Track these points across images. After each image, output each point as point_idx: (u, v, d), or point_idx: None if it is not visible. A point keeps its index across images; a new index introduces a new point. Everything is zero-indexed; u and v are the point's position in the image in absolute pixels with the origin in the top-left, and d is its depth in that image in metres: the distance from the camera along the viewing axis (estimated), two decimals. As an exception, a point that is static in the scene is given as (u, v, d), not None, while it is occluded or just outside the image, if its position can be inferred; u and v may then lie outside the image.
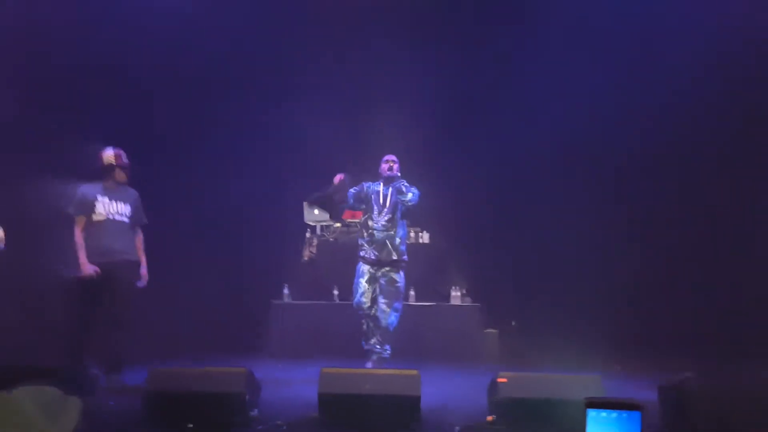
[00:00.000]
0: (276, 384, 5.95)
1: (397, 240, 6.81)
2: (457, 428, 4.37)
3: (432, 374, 6.31)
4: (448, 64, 9.40)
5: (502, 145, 9.24)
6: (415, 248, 8.78)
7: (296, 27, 9.33)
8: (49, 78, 8.10)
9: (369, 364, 6.76)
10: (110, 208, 6.21)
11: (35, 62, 8.07)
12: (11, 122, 7.62)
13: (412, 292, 8.61)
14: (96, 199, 6.19)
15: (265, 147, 9.34)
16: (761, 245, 8.09)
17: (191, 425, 4.29)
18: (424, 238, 9.38)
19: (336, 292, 8.69)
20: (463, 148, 9.66)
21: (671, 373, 4.44)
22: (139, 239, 6.47)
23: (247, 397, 4.42)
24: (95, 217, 6.16)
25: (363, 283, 6.80)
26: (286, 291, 8.85)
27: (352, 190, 6.83)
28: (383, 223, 6.79)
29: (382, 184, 6.94)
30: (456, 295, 8.78)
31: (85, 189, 6.25)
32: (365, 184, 6.97)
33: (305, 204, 9.06)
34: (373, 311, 6.77)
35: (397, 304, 6.78)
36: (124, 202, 6.31)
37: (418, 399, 4.35)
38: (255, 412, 4.58)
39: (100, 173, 6.33)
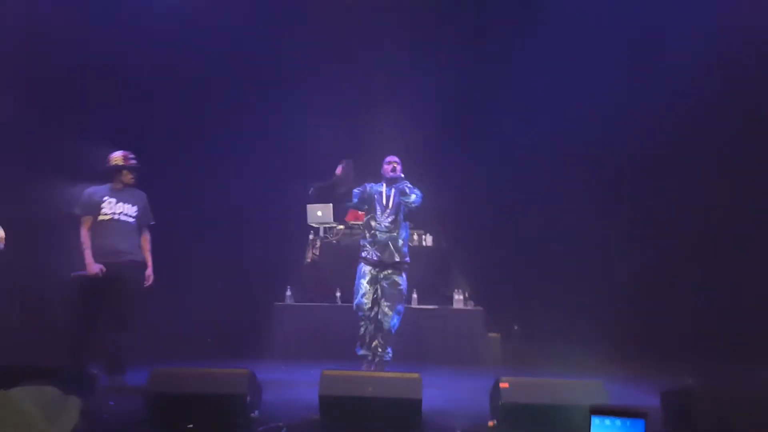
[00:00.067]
0: (277, 386, 5.95)
1: (400, 242, 6.76)
2: (458, 432, 4.38)
3: (434, 378, 6.35)
4: (448, 64, 9.39)
5: (505, 147, 9.26)
6: (418, 251, 8.83)
7: (296, 27, 9.32)
8: (49, 78, 8.09)
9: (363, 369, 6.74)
10: (116, 208, 6.27)
11: (35, 62, 8.05)
12: (11, 122, 7.61)
13: (414, 295, 8.63)
14: (102, 199, 6.25)
15: (268, 147, 9.38)
16: (761, 245, 8.09)
17: (192, 426, 4.29)
18: (428, 240, 9.39)
19: (338, 294, 8.71)
20: (465, 150, 9.68)
21: (673, 377, 4.45)
22: (146, 239, 6.51)
23: (248, 398, 4.41)
24: (101, 217, 6.21)
25: (364, 284, 6.72)
26: (288, 293, 8.87)
27: (356, 190, 6.77)
28: (386, 224, 6.75)
29: (384, 185, 6.90)
30: (459, 298, 8.80)
31: (93, 190, 6.32)
32: (368, 185, 6.93)
33: (308, 206, 9.06)
34: (373, 313, 6.72)
35: (400, 307, 6.73)
36: (131, 203, 6.36)
37: (419, 402, 4.33)
38: (256, 414, 4.57)
39: (108, 174, 6.38)
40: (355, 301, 6.77)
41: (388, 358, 6.67)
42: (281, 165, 9.46)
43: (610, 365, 6.88)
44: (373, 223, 6.82)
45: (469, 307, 8.82)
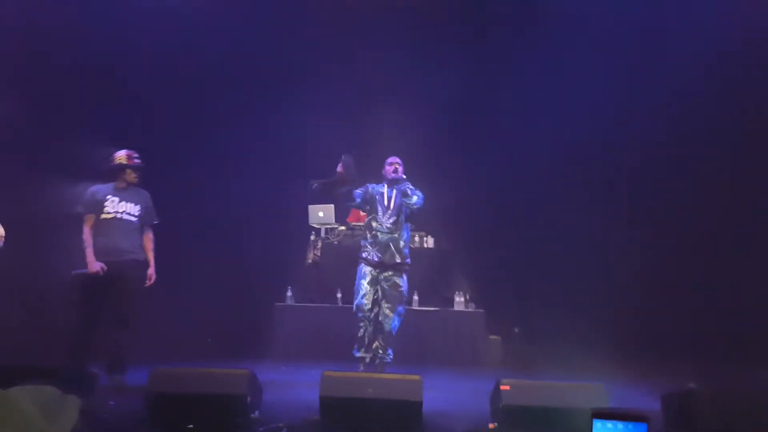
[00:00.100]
0: (278, 386, 5.94)
1: (401, 243, 6.73)
2: (459, 434, 4.38)
3: (434, 379, 6.33)
4: (448, 65, 9.36)
5: (506, 148, 9.27)
6: (419, 252, 8.83)
7: (296, 27, 9.31)
8: (49, 78, 8.10)
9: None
10: (119, 207, 6.28)
11: (35, 62, 8.05)
12: (11, 122, 7.61)
13: (415, 297, 8.62)
14: (106, 198, 6.26)
15: (268, 147, 9.39)
16: (761, 245, 8.09)
17: (192, 426, 4.29)
18: (429, 242, 9.39)
19: (339, 295, 8.68)
20: (466, 151, 9.69)
21: (673, 378, 4.45)
22: (149, 239, 6.52)
23: (248, 398, 4.41)
24: (103, 216, 6.23)
25: (365, 285, 6.69)
26: (289, 293, 8.85)
27: (358, 191, 6.76)
28: (388, 225, 6.71)
29: (386, 186, 6.87)
30: (459, 300, 8.78)
31: (96, 188, 6.33)
32: (369, 186, 6.89)
33: (310, 207, 9.10)
34: (373, 314, 6.69)
35: (401, 309, 6.70)
36: (134, 203, 6.37)
37: (420, 404, 4.33)
38: (256, 414, 4.57)
39: (112, 173, 6.39)
40: (356, 302, 6.73)
41: (388, 360, 6.65)
42: (281, 165, 9.46)
43: (611, 367, 6.88)
44: (374, 224, 6.78)
45: (469, 309, 8.80)
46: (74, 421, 3.61)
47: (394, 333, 6.69)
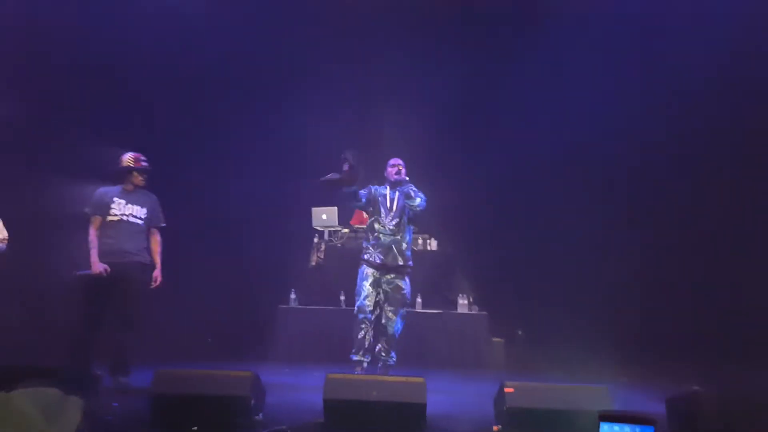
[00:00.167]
0: (281, 389, 5.94)
1: (404, 245, 6.70)
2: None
3: (438, 382, 6.29)
4: (449, 65, 9.36)
5: (508, 149, 9.26)
6: (422, 255, 8.84)
7: (296, 27, 9.30)
8: (49, 78, 8.09)
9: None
10: (125, 209, 6.30)
11: (35, 62, 8.05)
12: (11, 122, 7.61)
13: (419, 299, 8.60)
14: (113, 200, 6.28)
15: (269, 148, 9.36)
16: (761, 245, 8.10)
17: (196, 428, 4.29)
18: (432, 245, 9.37)
19: (343, 298, 8.65)
20: (468, 152, 9.67)
21: (676, 380, 4.45)
22: (156, 241, 6.54)
23: (252, 401, 4.42)
24: (109, 218, 6.25)
25: (367, 287, 6.65)
26: (293, 296, 8.84)
27: (363, 191, 6.73)
28: (391, 227, 6.67)
29: (388, 187, 6.84)
30: (463, 302, 8.77)
31: (104, 190, 6.36)
32: (372, 187, 6.85)
33: (313, 209, 9.08)
34: (374, 316, 6.66)
35: (403, 311, 6.68)
36: (140, 205, 6.39)
37: (423, 407, 4.33)
38: (260, 416, 4.57)
39: (120, 176, 6.41)
40: (357, 304, 6.68)
41: (392, 363, 6.62)
42: (282, 165, 9.45)
43: (613, 368, 6.89)
44: (376, 226, 6.74)
45: (473, 312, 8.79)
46: (76, 423, 3.60)
47: (397, 336, 6.66)
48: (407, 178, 6.76)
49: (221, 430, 4.36)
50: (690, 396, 4.04)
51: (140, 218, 6.36)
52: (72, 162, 7.80)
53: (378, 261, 6.66)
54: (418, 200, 6.61)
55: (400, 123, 9.15)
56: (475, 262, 9.36)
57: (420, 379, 4.45)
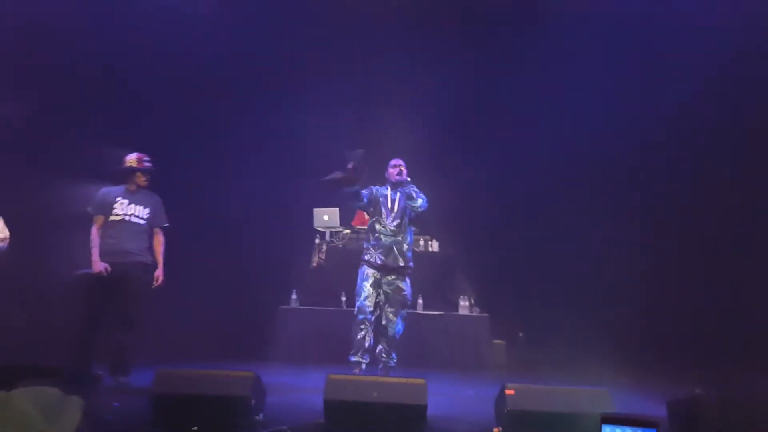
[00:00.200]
0: (282, 389, 5.96)
1: (405, 246, 6.69)
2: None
3: (439, 383, 6.31)
4: (449, 66, 9.34)
5: (511, 151, 9.26)
6: (424, 256, 8.84)
7: (296, 27, 9.30)
8: (49, 78, 8.08)
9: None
10: (128, 209, 6.34)
11: (35, 62, 8.04)
12: (11, 122, 7.61)
13: (420, 300, 8.62)
14: (115, 200, 6.32)
15: (271, 148, 9.36)
16: (762, 245, 8.10)
17: (196, 428, 4.31)
18: (434, 246, 9.36)
19: (344, 299, 8.64)
20: (468, 153, 9.65)
21: (676, 382, 4.45)
22: (159, 241, 6.58)
23: (252, 401, 4.43)
24: (112, 217, 6.29)
25: (367, 287, 6.62)
26: (294, 296, 8.83)
27: (365, 191, 6.72)
28: (392, 228, 6.66)
29: (389, 188, 6.84)
30: (464, 304, 8.77)
31: (107, 190, 6.41)
32: (373, 188, 6.84)
33: (315, 210, 9.09)
34: (374, 317, 6.64)
35: (404, 312, 6.67)
36: (143, 205, 6.43)
37: (424, 408, 4.34)
38: (260, 417, 4.57)
39: (123, 176, 6.46)
40: (357, 304, 6.65)
41: (392, 364, 6.62)
42: (282, 165, 9.46)
43: (613, 370, 6.88)
44: (377, 226, 6.73)
45: (474, 314, 8.79)
46: (76, 423, 3.60)
47: (398, 337, 6.66)
48: (409, 179, 6.76)
49: (222, 430, 4.37)
50: (691, 399, 4.04)
51: (142, 218, 6.40)
52: (72, 162, 7.80)
53: (379, 262, 6.65)
54: (419, 201, 6.61)
55: (401, 123, 9.14)
56: (476, 264, 9.36)
57: (421, 381, 4.46)
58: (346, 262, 8.57)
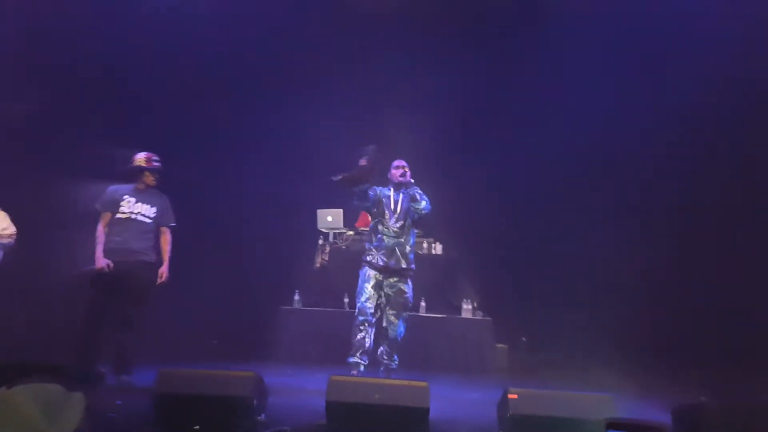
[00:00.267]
0: (284, 390, 5.94)
1: (407, 248, 6.64)
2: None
3: (441, 386, 6.27)
4: (451, 66, 9.33)
5: (516, 155, 9.24)
6: (427, 259, 8.82)
7: (296, 27, 9.27)
8: (49, 78, 8.08)
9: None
10: (134, 208, 6.37)
11: (35, 62, 8.03)
12: (11, 122, 7.61)
13: (422, 303, 8.62)
14: (123, 198, 6.36)
15: (272, 148, 9.36)
16: (762, 245, 8.11)
17: (198, 427, 4.30)
18: (437, 249, 9.35)
19: (346, 300, 8.62)
20: (471, 154, 9.65)
21: (682, 390, 4.43)
22: (166, 240, 6.60)
23: (254, 401, 4.43)
24: (118, 215, 6.32)
25: (368, 288, 6.55)
26: (296, 297, 8.83)
27: (370, 192, 6.67)
28: (395, 229, 6.61)
29: (392, 189, 6.77)
30: (467, 308, 8.74)
31: (116, 188, 6.46)
32: (377, 188, 6.76)
33: (319, 211, 9.08)
34: (375, 318, 6.58)
35: (405, 315, 6.62)
36: (150, 204, 6.46)
37: (426, 411, 4.32)
38: (262, 417, 4.58)
39: (132, 175, 6.49)
40: (358, 305, 6.58)
41: (394, 366, 6.58)
42: (283, 165, 9.45)
43: (616, 375, 6.87)
44: (380, 228, 6.67)
45: (477, 317, 8.76)
46: (78, 420, 3.60)
47: (399, 339, 6.60)
48: (412, 180, 6.72)
49: (223, 430, 4.37)
50: (696, 406, 4.03)
51: (149, 217, 6.43)
52: (72, 162, 7.81)
53: (381, 263, 6.59)
54: (423, 203, 6.57)
55: (401, 123, 9.12)
56: (479, 267, 9.33)
57: (423, 384, 4.44)
58: (349, 264, 8.50)
